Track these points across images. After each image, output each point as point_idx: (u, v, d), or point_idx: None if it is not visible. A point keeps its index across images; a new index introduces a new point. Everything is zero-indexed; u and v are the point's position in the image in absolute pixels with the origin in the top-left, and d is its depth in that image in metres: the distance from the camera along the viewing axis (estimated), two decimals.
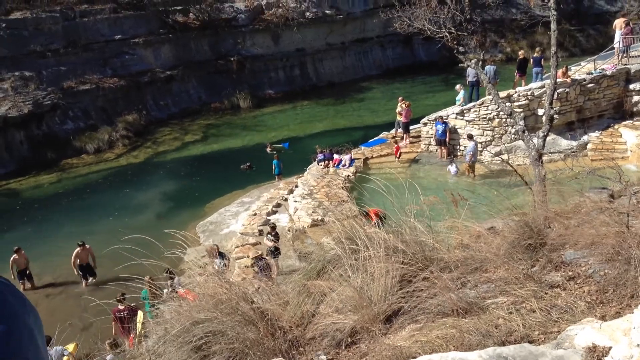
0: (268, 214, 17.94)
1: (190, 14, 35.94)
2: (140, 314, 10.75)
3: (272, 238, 14.18)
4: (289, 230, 16.18)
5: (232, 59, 36.12)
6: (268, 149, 26.18)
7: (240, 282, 5.92)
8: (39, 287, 15.54)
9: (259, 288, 5.21)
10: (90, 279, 15.41)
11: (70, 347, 10.61)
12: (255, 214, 18.05)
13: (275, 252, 14.01)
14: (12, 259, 15.36)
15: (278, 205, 18.87)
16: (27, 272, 15.51)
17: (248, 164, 24.12)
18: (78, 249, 15.43)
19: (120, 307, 10.98)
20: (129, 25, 33.33)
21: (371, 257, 4.34)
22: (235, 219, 18.43)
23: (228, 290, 4.39)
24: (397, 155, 21.05)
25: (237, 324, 3.88)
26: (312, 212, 16.57)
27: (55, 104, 28.67)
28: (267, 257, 13.69)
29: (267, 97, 36.49)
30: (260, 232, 16.45)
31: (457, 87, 22.12)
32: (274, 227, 14.67)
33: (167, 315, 4.78)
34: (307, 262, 5.39)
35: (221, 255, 13.27)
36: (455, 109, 20.72)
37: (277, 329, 3.96)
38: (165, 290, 6.91)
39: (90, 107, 30.53)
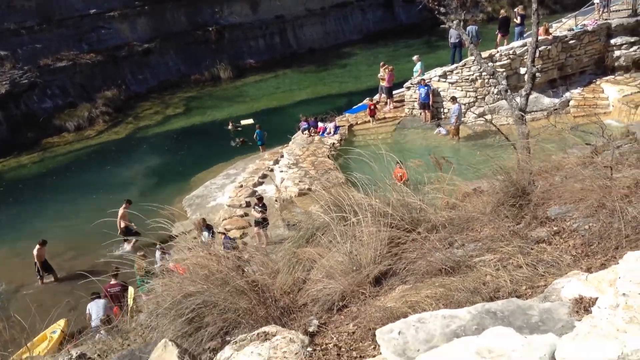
0: (254, 185, 17.93)
1: None
2: (131, 289, 10.79)
3: (259, 209, 14.20)
4: (276, 201, 16.19)
5: (210, 29, 35.55)
6: (230, 127, 25.60)
7: (230, 254, 5.93)
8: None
9: (248, 259, 5.23)
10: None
11: (61, 323, 10.71)
12: (241, 186, 18.03)
13: (263, 222, 14.04)
14: (36, 251, 14.50)
15: (264, 176, 18.85)
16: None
17: (242, 138, 23.59)
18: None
19: (113, 282, 11.00)
20: None
21: (359, 223, 4.36)
22: (222, 192, 18.39)
23: (218, 262, 4.39)
24: (372, 115, 21.04)
25: (228, 295, 3.90)
26: (299, 181, 16.58)
27: (33, 82, 28.14)
28: (230, 237, 13.39)
29: (247, 67, 36.08)
30: (248, 204, 16.46)
31: (415, 57, 21.95)
32: (261, 198, 14.67)
33: (158, 289, 4.79)
34: (296, 231, 5.41)
35: (208, 228, 13.29)
36: (438, 71, 20.63)
37: (269, 298, 3.99)
38: (156, 265, 6.92)
39: (68, 84, 30.01)
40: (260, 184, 18.27)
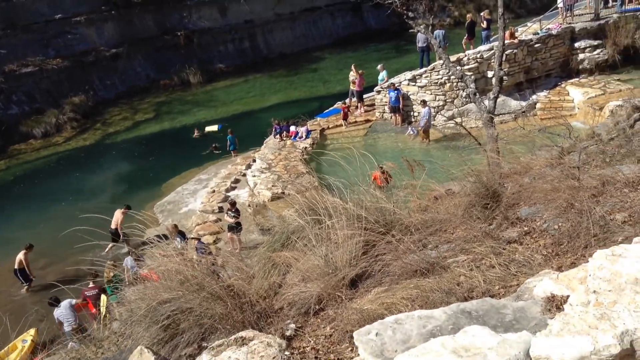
0: (227, 190, 17.81)
1: None
2: (103, 297, 10.62)
3: (232, 214, 14.10)
4: (249, 206, 16.12)
5: (178, 33, 35.24)
6: (195, 134, 25.18)
7: (204, 259, 5.89)
8: None
9: (223, 264, 5.21)
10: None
11: (32, 332, 10.50)
12: (214, 191, 17.90)
13: (237, 227, 13.96)
14: (23, 256, 14.04)
15: (236, 180, 18.75)
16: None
17: (214, 144, 23.04)
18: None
19: (91, 285, 10.83)
20: (69, 3, 32.00)
21: (334, 226, 4.38)
22: (194, 197, 18.22)
23: (192, 267, 4.37)
24: (345, 118, 21.21)
25: (204, 300, 3.88)
26: (272, 185, 16.54)
27: None
28: (204, 244, 13.36)
29: (218, 72, 35.86)
30: (220, 209, 16.34)
31: (379, 67, 22.17)
32: (234, 203, 14.57)
33: (131, 296, 4.74)
34: (270, 235, 5.41)
35: (181, 234, 13.15)
36: (407, 75, 20.84)
37: (245, 302, 3.98)
38: (129, 272, 6.83)
39: (34, 90, 29.38)
40: (233, 188, 18.16)
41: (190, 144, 24.42)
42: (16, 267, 14.02)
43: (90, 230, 5.07)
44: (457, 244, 4.20)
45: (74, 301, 10.67)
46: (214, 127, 25.72)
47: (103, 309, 10.00)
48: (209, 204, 16.93)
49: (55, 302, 10.58)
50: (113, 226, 14.97)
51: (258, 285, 4.45)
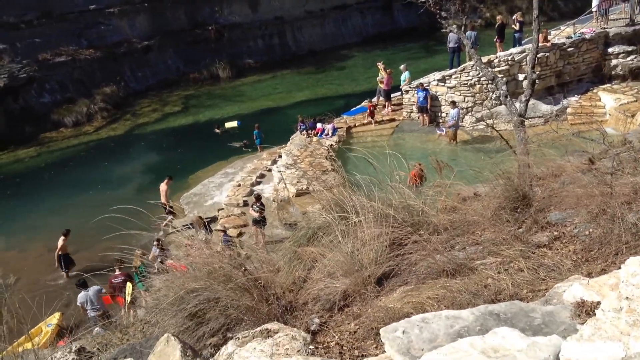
0: (252, 185, 17.95)
1: None
2: (129, 285, 10.80)
3: (257, 208, 14.21)
4: (273, 200, 16.22)
5: (209, 27, 35.55)
6: (217, 130, 25.40)
7: (232, 251, 5.96)
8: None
9: (249, 256, 5.26)
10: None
11: (57, 316, 10.72)
12: (239, 185, 18.05)
13: (261, 221, 14.06)
14: (61, 241, 14.30)
15: (262, 175, 18.88)
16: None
17: (244, 141, 23.01)
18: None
19: (117, 273, 11.00)
20: None
21: (361, 223, 4.39)
22: (220, 190, 18.41)
23: (220, 259, 4.42)
24: (371, 116, 21.18)
25: (231, 292, 3.92)
26: (297, 181, 16.60)
27: (31, 76, 28.07)
28: (230, 236, 13.50)
29: (246, 67, 36.09)
30: (245, 203, 16.48)
31: (402, 67, 21.99)
32: (259, 197, 14.69)
33: (158, 285, 4.81)
34: (296, 230, 5.43)
35: (207, 226, 13.31)
36: (437, 75, 20.71)
37: (271, 295, 4.01)
38: (156, 261, 6.93)
39: (67, 79, 29.95)
40: (258, 183, 18.30)
41: (216, 138, 24.66)
42: (59, 252, 14.31)
43: (120, 218, 5.15)
44: (485, 246, 4.17)
45: (103, 290, 10.85)
46: (234, 123, 25.85)
47: (128, 297, 10.17)
48: (234, 197, 17.09)
49: (83, 285, 10.78)
50: (163, 200, 15.72)
51: (283, 279, 4.48)
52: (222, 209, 16.66)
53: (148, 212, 5.67)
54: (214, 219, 15.76)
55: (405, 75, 21.61)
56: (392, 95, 22.24)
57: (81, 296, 10.72)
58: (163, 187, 16.13)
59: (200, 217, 13.73)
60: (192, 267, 4.49)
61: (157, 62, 34.20)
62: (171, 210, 14.89)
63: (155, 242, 9.15)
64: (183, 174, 20.88)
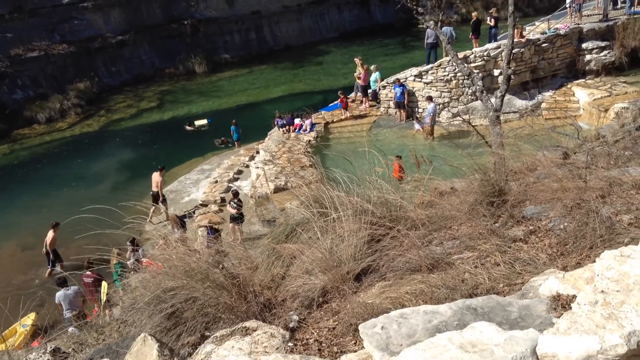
0: (229, 181, 17.83)
1: None
2: (104, 284, 10.66)
3: (235, 205, 14.14)
4: (251, 197, 16.14)
5: (185, 22, 35.19)
6: (188, 128, 25.13)
7: (207, 250, 5.92)
8: None
9: (227, 254, 5.22)
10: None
11: (32, 316, 10.54)
12: (216, 182, 17.92)
13: (239, 218, 13.99)
14: (51, 234, 13.98)
15: (239, 172, 18.78)
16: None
17: (222, 138, 22.82)
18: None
19: (88, 273, 10.83)
20: None
21: (340, 219, 4.38)
22: (196, 187, 18.27)
23: (197, 257, 4.38)
24: (345, 107, 21.25)
25: (208, 290, 3.89)
26: (275, 177, 16.55)
27: (3, 72, 27.48)
28: (214, 230, 13.48)
29: (223, 62, 35.83)
30: (223, 200, 16.37)
31: (372, 67, 21.92)
32: (236, 194, 14.61)
33: (135, 284, 4.75)
34: (275, 226, 5.41)
35: (182, 222, 13.20)
36: (414, 71, 20.80)
37: (249, 293, 3.99)
38: (129, 261, 6.85)
39: (39, 75, 29.39)
40: (236, 179, 18.19)
41: (193, 134, 24.44)
42: (49, 247, 13.97)
43: (94, 218, 5.07)
44: (462, 240, 4.20)
45: (81, 290, 10.66)
46: (204, 121, 25.54)
47: (104, 296, 10.03)
48: (211, 194, 16.97)
49: (63, 284, 10.59)
50: (154, 188, 15.99)
51: (262, 276, 4.46)
52: (199, 205, 16.54)
53: (122, 211, 5.58)
54: (190, 216, 15.65)
55: (375, 76, 21.66)
56: (369, 90, 22.28)
57: (59, 295, 10.53)
58: (157, 177, 16.15)
59: (176, 216, 13.59)
60: (168, 265, 4.44)
61: (131, 57, 33.74)
62: (164, 199, 15.64)
63: (129, 242, 9.03)
64: None
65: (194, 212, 16.03)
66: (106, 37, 32.41)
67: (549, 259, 3.66)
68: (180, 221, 13.16)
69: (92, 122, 27.88)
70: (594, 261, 2.71)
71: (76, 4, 31.66)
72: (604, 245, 3.46)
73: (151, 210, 15.07)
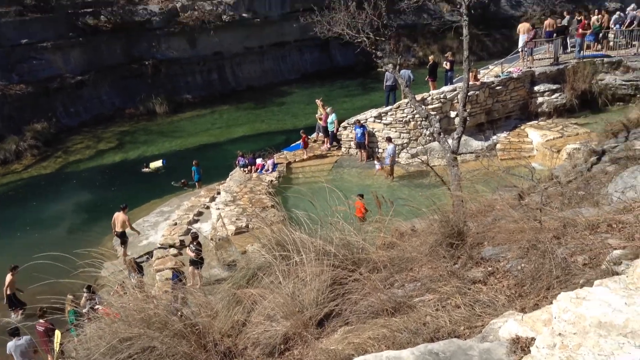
0: (189, 223, 17.56)
1: (102, 16, 34.57)
2: (57, 333, 10.22)
3: (194, 248, 13.85)
4: (211, 239, 15.91)
5: (146, 62, 35.13)
6: (144, 169, 24.65)
7: (165, 296, 5.77)
8: None
9: (185, 299, 5.10)
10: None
11: None
12: (175, 224, 17.62)
13: (198, 262, 13.71)
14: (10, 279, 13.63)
15: (199, 213, 18.54)
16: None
17: (183, 180, 22.29)
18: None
19: (41, 321, 10.39)
20: (36, 28, 31.58)
21: (302, 262, 4.36)
22: (155, 230, 17.92)
23: (155, 305, 4.27)
24: (306, 147, 21.45)
25: (167, 339, 3.78)
26: (236, 219, 16.38)
27: None
28: (182, 271, 13.34)
29: (184, 102, 35.77)
30: (182, 243, 16.07)
31: (329, 109, 22.16)
32: (196, 237, 14.31)
33: (90, 333, 4.58)
34: (235, 270, 5.33)
35: (140, 268, 12.89)
36: (373, 112, 21.19)
37: (209, 341, 3.89)
38: (85, 309, 6.61)
39: None
40: (196, 221, 17.93)
41: (152, 175, 24.10)
42: (7, 291, 13.61)
43: (49, 264, 4.92)
44: (424, 282, 4.22)
45: (34, 341, 10.21)
46: (159, 163, 25.01)
47: (57, 346, 9.61)
48: (170, 236, 16.65)
49: (14, 333, 10.11)
50: (119, 229, 15.75)
51: (222, 323, 4.37)
52: (157, 248, 16.20)
53: (75, 257, 5.41)
54: (147, 259, 15.31)
55: (332, 118, 21.92)
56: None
57: (10, 345, 10.05)
58: (122, 216, 15.89)
59: (133, 260, 13.27)
60: (125, 313, 4.31)
61: (91, 97, 33.36)
62: (126, 240, 15.78)
63: (85, 289, 8.74)
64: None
65: (151, 256, 15.69)
66: (65, 77, 32.01)
67: (508, 301, 3.71)
68: (137, 266, 12.85)
69: (48, 163, 27.23)
70: (551, 302, 2.76)
71: (35, 44, 31.27)
72: (560, 286, 3.53)
73: (122, 250, 15.34)
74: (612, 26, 23.71)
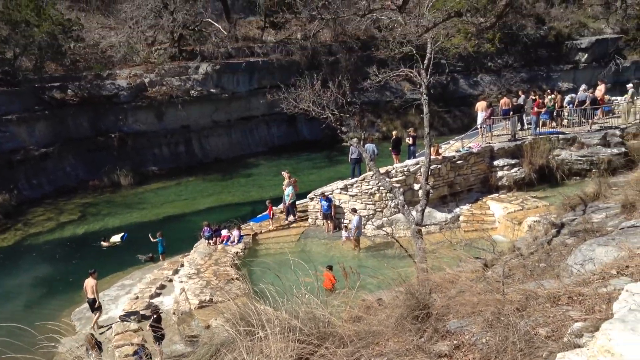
0: (151, 297, 17.10)
1: (69, 90, 34.75)
2: None
3: (154, 323, 13.40)
4: (174, 313, 15.46)
5: (113, 135, 35.13)
6: (103, 243, 24.17)
7: None
8: None
9: None
10: None
11: None
12: (137, 297, 17.13)
13: (158, 337, 13.24)
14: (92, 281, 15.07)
15: (162, 286, 18.10)
16: None
17: (150, 255, 21.79)
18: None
19: None
20: (1, 101, 31.50)
21: (267, 337, 4.29)
22: (115, 304, 17.36)
23: None
24: (271, 216, 21.42)
25: None
26: (200, 292, 16.04)
27: None
28: (147, 347, 12.89)
29: (150, 174, 35.60)
30: (143, 317, 15.56)
31: (285, 182, 22.49)
32: (156, 311, 13.90)
33: None
34: (197, 347, 5.20)
35: (99, 345, 12.38)
36: (340, 184, 21.48)
37: None
38: None
39: None
40: (158, 295, 17.47)
41: (114, 248, 23.58)
42: (89, 296, 15.15)
43: (3, 340, 4.71)
44: (390, 357, 4.19)
45: None
46: (118, 238, 24.51)
47: None
48: (130, 311, 16.12)
49: None
50: (90, 296, 15.56)
51: None
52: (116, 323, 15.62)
53: (31, 331, 5.22)
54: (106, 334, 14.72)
55: (288, 191, 22.06)
56: (297, 202, 22.65)
57: None
58: (91, 281, 15.69)
59: (92, 335, 12.75)
60: None
61: (55, 169, 32.93)
62: (100, 306, 15.75)
63: None
64: (76, 286, 19.47)
65: (110, 331, 15.09)
66: (29, 149, 31.67)
67: None
68: (96, 342, 12.34)
69: (7, 236, 26.41)
70: None
71: (0, 117, 31.07)
72: (524, 359, 3.57)
73: (95, 318, 15.48)
74: (566, 105, 24.99)
